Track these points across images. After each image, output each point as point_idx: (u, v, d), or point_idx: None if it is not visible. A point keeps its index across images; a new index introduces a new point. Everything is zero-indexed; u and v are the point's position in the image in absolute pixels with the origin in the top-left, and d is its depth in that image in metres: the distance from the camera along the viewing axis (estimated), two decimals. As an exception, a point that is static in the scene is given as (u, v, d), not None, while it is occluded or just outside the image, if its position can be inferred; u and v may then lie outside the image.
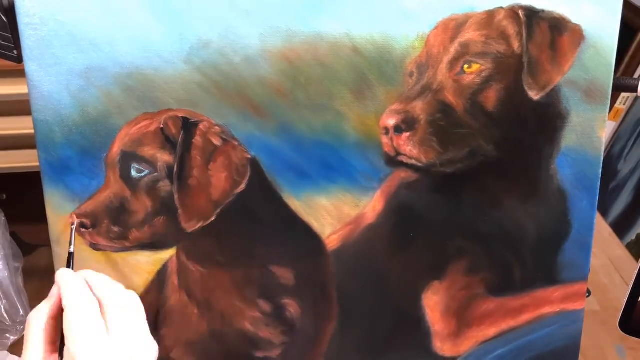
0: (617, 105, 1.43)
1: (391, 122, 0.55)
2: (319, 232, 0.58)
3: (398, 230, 0.59)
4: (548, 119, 0.57)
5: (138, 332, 0.46)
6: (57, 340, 0.46)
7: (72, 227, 0.54)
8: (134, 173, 0.56)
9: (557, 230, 0.60)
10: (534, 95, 0.56)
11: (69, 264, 0.52)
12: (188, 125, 0.55)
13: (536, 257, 0.60)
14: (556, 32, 0.54)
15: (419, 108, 0.55)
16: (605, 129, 0.57)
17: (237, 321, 0.60)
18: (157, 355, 0.47)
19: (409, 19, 0.54)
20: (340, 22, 0.53)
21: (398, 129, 0.55)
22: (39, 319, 0.46)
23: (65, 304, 0.45)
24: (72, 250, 0.52)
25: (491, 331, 0.62)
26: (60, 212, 0.56)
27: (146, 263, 0.58)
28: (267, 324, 0.60)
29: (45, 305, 0.46)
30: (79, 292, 0.46)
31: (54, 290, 0.47)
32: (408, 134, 0.55)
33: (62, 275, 0.48)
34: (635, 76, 1.39)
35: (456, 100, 0.55)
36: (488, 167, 0.57)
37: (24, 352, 0.45)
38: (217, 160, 0.56)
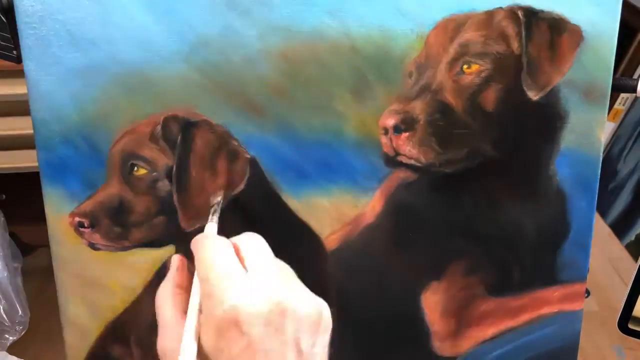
0: (616, 106, 1.43)
1: (390, 122, 0.55)
2: (318, 232, 0.58)
3: (397, 230, 0.59)
4: (547, 119, 0.57)
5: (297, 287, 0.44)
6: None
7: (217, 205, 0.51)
8: (133, 173, 0.56)
9: (556, 230, 0.60)
10: (533, 95, 0.56)
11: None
12: (187, 125, 0.55)
13: (535, 257, 0.60)
14: (555, 32, 0.54)
15: (418, 108, 0.55)
16: (605, 130, 0.57)
17: (236, 321, 0.59)
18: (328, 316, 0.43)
19: (408, 19, 0.54)
20: (339, 22, 0.53)
21: (397, 129, 0.55)
22: (167, 293, 0.44)
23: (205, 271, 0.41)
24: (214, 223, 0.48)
25: (490, 331, 0.62)
26: (60, 212, 0.56)
27: (145, 263, 0.58)
28: (266, 323, 0.60)
29: (169, 281, 0.44)
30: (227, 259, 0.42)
31: (175, 261, 0.45)
32: (407, 134, 0.55)
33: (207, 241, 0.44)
34: (635, 77, 1.39)
35: (455, 100, 0.55)
36: (487, 167, 0.57)
37: (161, 327, 0.43)
38: (216, 161, 0.56)
